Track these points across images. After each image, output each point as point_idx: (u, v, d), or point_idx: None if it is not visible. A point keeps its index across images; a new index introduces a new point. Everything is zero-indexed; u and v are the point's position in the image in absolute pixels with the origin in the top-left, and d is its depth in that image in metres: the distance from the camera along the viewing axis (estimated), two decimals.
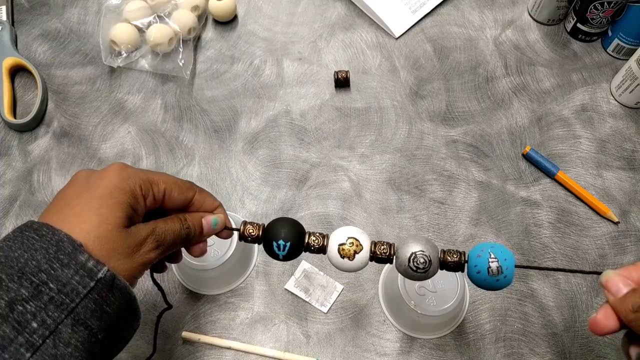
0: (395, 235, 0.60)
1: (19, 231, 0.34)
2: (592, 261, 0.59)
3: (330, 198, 0.62)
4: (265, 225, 0.42)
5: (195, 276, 0.56)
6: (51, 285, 0.32)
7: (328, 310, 0.56)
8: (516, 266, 0.39)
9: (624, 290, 0.36)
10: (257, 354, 0.54)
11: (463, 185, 0.62)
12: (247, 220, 0.43)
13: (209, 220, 0.42)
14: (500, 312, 0.56)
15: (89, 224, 0.35)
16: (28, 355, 0.31)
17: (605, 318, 0.36)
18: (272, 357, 0.54)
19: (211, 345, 0.55)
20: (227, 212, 0.57)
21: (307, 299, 0.57)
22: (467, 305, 0.56)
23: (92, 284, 0.33)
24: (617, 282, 0.37)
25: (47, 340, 0.31)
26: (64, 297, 0.32)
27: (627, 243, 0.59)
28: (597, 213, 0.61)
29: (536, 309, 0.56)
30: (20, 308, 0.31)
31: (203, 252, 0.43)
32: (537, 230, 0.60)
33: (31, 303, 0.31)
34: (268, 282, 0.58)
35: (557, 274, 0.58)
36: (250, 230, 0.42)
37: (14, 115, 0.66)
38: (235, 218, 0.58)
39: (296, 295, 0.57)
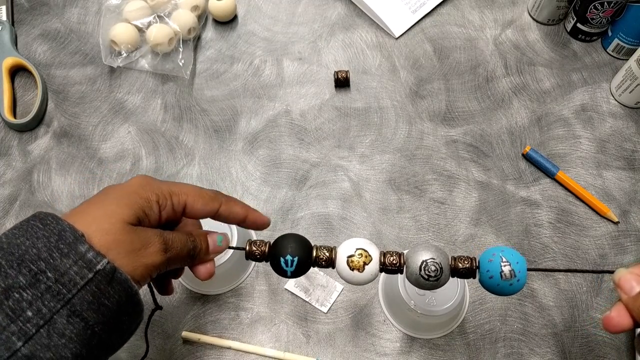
0: (395, 235, 0.60)
1: (25, 220, 0.34)
2: (592, 261, 0.59)
3: (330, 198, 0.62)
4: (271, 242, 0.42)
5: None
6: (49, 274, 0.32)
7: (328, 310, 0.56)
8: (528, 269, 0.39)
9: (637, 288, 0.36)
10: (257, 354, 0.54)
11: (463, 185, 0.62)
12: (252, 239, 0.43)
13: (213, 237, 0.42)
14: (500, 312, 0.56)
15: (93, 216, 0.35)
16: (20, 344, 0.30)
17: (618, 316, 0.36)
18: (272, 357, 0.54)
19: (211, 345, 0.55)
20: None
21: (307, 299, 0.57)
22: (467, 305, 0.56)
23: (90, 275, 0.32)
24: (630, 280, 0.37)
25: (41, 330, 0.31)
26: (61, 287, 0.32)
27: (627, 243, 0.59)
28: (597, 213, 0.61)
29: (536, 309, 0.56)
30: (17, 295, 0.31)
31: (210, 274, 0.42)
32: (537, 230, 0.60)
33: (28, 291, 0.31)
34: (268, 282, 0.58)
35: (558, 274, 0.58)
36: (256, 249, 0.41)
37: (14, 115, 0.66)
38: None
39: (296, 295, 0.57)
